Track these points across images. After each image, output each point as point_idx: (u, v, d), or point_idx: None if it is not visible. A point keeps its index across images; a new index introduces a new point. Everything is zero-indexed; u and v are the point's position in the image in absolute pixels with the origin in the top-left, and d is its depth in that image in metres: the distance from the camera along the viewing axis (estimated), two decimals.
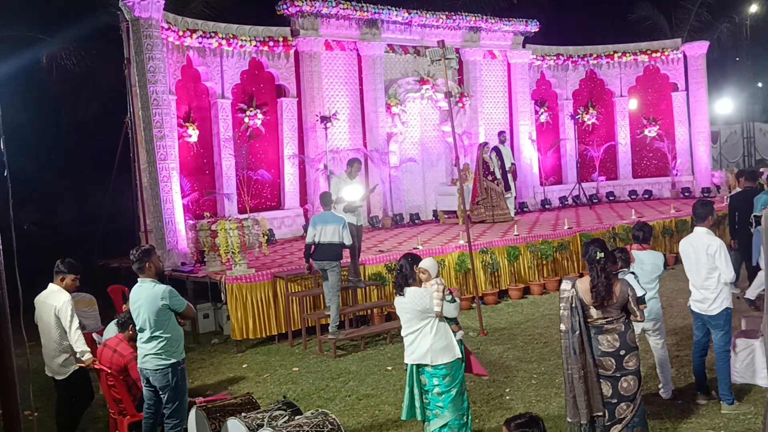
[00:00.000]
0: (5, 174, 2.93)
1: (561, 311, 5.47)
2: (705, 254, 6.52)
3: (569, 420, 5.49)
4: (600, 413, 5.40)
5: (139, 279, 6.03)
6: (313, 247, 9.54)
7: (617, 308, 5.41)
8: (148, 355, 5.94)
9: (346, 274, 10.39)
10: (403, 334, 5.97)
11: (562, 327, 5.44)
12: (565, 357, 5.45)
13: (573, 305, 5.38)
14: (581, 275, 5.39)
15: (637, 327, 6.89)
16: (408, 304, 5.80)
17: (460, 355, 5.81)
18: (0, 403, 2.96)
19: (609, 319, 5.42)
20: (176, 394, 6.01)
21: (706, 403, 6.75)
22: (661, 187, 20.78)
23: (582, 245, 5.79)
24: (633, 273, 6.43)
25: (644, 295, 5.72)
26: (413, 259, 5.94)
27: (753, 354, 7.08)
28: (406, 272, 5.86)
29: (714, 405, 6.70)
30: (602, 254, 5.37)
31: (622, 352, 5.41)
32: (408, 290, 5.81)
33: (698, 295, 6.69)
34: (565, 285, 5.50)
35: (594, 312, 5.43)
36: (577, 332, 5.36)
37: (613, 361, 5.41)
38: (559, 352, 8.71)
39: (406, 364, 5.93)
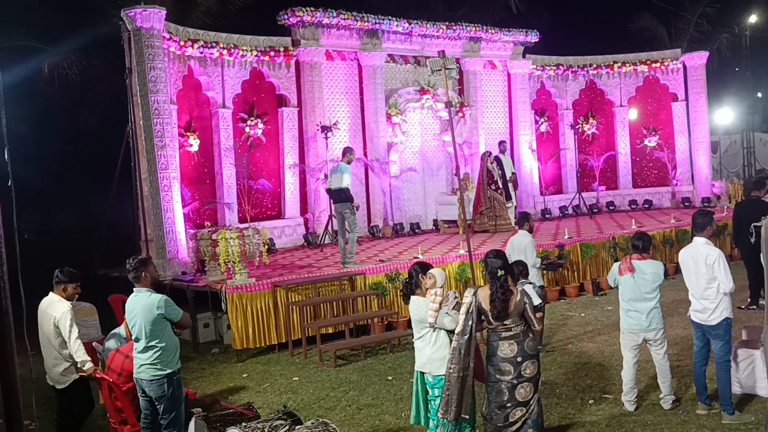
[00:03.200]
0: (9, 184, 2.94)
1: (459, 315, 5.70)
2: (704, 264, 6.53)
3: (440, 415, 5.66)
4: (467, 416, 5.62)
5: (134, 289, 6.03)
6: (329, 194, 11.92)
7: (515, 317, 5.66)
8: (144, 365, 5.93)
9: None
10: (413, 339, 6.03)
11: (457, 329, 5.65)
12: (450, 357, 5.63)
13: (470, 311, 5.63)
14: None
15: (639, 337, 6.91)
16: (411, 312, 5.86)
17: None
18: (5, 415, 2.96)
19: (507, 326, 5.67)
20: (172, 404, 5.98)
21: (707, 413, 6.75)
22: (662, 197, 20.80)
23: (485, 255, 5.97)
24: (531, 283, 6.57)
25: (540, 304, 5.91)
26: (422, 267, 5.97)
27: (753, 364, 7.08)
28: (413, 281, 5.91)
29: (715, 415, 6.68)
30: (503, 272, 5.66)
31: (519, 359, 5.67)
32: (412, 299, 5.87)
33: (698, 305, 6.69)
34: (467, 293, 5.77)
35: (493, 320, 5.67)
36: (467, 336, 5.59)
37: (511, 367, 5.66)
38: (560, 362, 8.75)
39: (415, 370, 6.02)
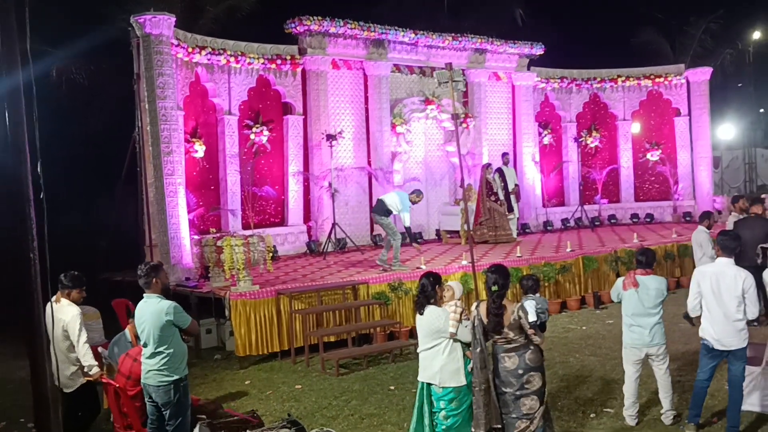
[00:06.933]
0: (41, 196, 3.00)
1: (471, 329, 5.80)
2: (742, 287, 6.42)
3: (472, 430, 5.72)
4: (498, 426, 5.63)
5: (144, 294, 6.08)
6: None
7: (513, 330, 5.64)
8: (151, 371, 5.97)
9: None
10: (418, 350, 6.05)
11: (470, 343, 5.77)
12: (474, 371, 5.73)
13: (475, 325, 5.69)
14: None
15: (641, 352, 6.94)
16: (425, 322, 5.88)
17: (465, 382, 5.84)
18: (35, 424, 3.00)
19: (507, 340, 5.67)
20: (178, 410, 6.02)
21: None
22: (663, 211, 20.85)
23: (484, 271, 6.03)
24: (534, 300, 6.58)
25: (536, 321, 5.84)
26: (435, 278, 6.01)
27: (754, 381, 7.11)
28: (427, 292, 5.94)
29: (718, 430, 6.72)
30: (496, 287, 5.65)
31: (520, 372, 5.63)
32: (428, 309, 5.89)
33: (727, 330, 6.49)
34: (473, 306, 5.85)
35: (491, 332, 5.70)
36: (478, 349, 5.64)
37: (513, 379, 5.65)
38: (561, 375, 8.79)
39: (419, 381, 6.00)
